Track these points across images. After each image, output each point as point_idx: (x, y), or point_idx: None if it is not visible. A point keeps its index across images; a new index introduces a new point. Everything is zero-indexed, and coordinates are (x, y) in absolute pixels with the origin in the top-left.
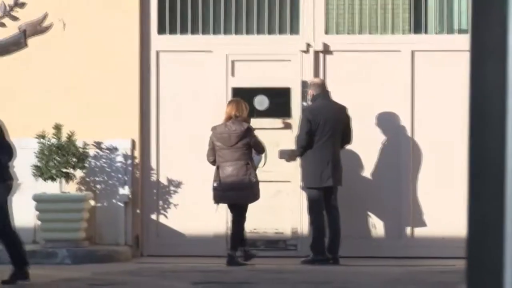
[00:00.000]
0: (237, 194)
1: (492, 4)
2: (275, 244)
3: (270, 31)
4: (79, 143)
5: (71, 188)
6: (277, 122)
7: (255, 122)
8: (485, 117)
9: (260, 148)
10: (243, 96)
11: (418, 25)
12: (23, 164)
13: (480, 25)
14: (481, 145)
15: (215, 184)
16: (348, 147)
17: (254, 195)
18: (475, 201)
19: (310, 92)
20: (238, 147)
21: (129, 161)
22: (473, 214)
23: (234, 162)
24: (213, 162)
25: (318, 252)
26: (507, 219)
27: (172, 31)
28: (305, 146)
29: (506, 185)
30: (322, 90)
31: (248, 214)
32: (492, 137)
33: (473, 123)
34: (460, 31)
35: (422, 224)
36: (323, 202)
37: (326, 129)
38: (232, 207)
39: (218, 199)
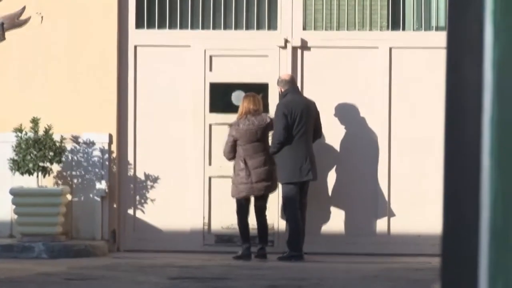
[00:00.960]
0: (265, 185)
1: (468, 1)
2: (252, 240)
3: (248, 26)
4: (56, 137)
5: (48, 182)
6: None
7: (232, 118)
8: (461, 114)
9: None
10: (221, 91)
11: (396, 22)
12: (0, 157)
13: (457, 22)
14: (457, 142)
15: (242, 177)
16: (324, 142)
17: (275, 185)
18: (450, 199)
19: (279, 88)
20: (261, 139)
21: (106, 156)
22: (448, 211)
23: (260, 153)
24: (232, 159)
25: (295, 249)
26: (482, 216)
27: (150, 25)
28: (283, 142)
29: (481, 182)
30: (292, 85)
31: (225, 211)
32: (468, 134)
33: (449, 120)
34: (438, 28)
35: (398, 221)
36: (298, 197)
37: (301, 123)
38: (257, 199)
39: (246, 191)
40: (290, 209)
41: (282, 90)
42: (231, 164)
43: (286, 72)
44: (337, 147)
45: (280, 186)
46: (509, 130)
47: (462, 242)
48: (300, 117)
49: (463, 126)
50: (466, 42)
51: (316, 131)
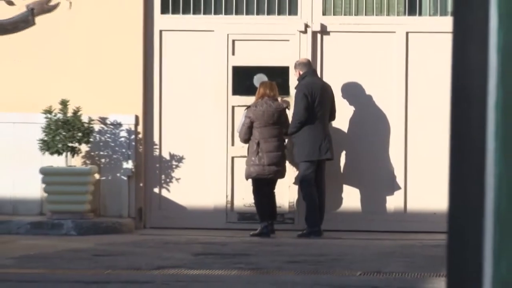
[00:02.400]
0: (275, 169)
1: None
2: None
3: (269, 12)
4: (85, 118)
5: (76, 162)
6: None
7: (253, 100)
8: (467, 98)
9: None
10: (243, 74)
11: (412, 7)
12: (30, 138)
13: (462, 8)
14: (462, 125)
15: (256, 159)
16: (342, 123)
17: (285, 171)
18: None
19: (297, 71)
20: (277, 123)
21: (133, 136)
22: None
23: (274, 138)
24: (247, 140)
25: (313, 225)
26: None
27: (175, 11)
28: (304, 122)
29: (486, 165)
30: (310, 68)
31: (247, 189)
32: (473, 118)
33: (455, 104)
34: None
35: (414, 199)
36: (314, 176)
37: (320, 104)
38: (269, 181)
39: (257, 172)
40: (307, 186)
41: (301, 72)
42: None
43: (306, 56)
44: (354, 128)
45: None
46: None
47: (467, 224)
48: (320, 98)
49: (469, 110)
50: (471, 27)
51: (332, 113)
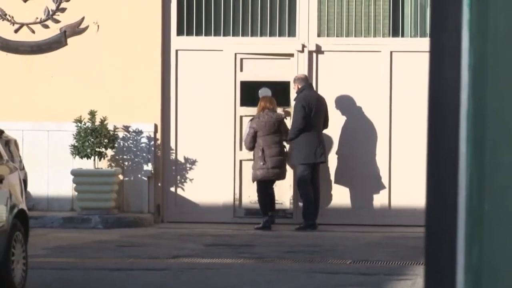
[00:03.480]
0: (277, 171)
1: (448, 11)
2: (277, 213)
3: (272, 33)
4: (110, 127)
5: (103, 164)
6: (278, 110)
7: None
8: (442, 109)
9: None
10: (249, 88)
11: (396, 29)
12: (63, 144)
13: (438, 31)
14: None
15: (261, 164)
16: (336, 131)
17: (285, 173)
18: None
19: (296, 85)
20: (278, 131)
21: (152, 142)
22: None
23: (276, 144)
24: (252, 148)
25: (309, 219)
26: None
27: (189, 32)
28: (302, 129)
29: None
30: (307, 82)
31: (252, 188)
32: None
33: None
34: None
35: (397, 197)
36: (310, 177)
37: (315, 114)
38: (271, 183)
39: (262, 175)
40: (304, 186)
41: (299, 86)
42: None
43: (303, 72)
44: (346, 134)
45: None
46: (482, 121)
47: (443, 218)
48: (316, 109)
49: (443, 119)
50: (446, 48)
51: (325, 121)
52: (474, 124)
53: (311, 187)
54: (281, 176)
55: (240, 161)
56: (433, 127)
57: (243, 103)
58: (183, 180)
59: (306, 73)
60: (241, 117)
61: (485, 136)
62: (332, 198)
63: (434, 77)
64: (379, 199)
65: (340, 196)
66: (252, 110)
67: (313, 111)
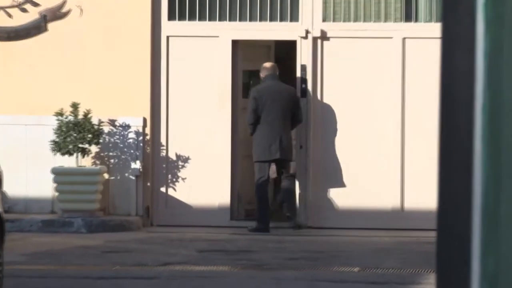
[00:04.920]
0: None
1: None
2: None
3: (272, 18)
4: (95, 120)
5: (86, 162)
6: None
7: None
8: (455, 101)
9: None
10: (248, 77)
11: (409, 14)
12: (42, 140)
13: (450, 16)
14: (450, 127)
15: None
16: (344, 125)
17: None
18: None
19: (261, 75)
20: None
21: (141, 138)
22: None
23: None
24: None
25: (260, 222)
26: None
27: (181, 17)
28: (254, 123)
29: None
30: (270, 72)
31: (250, 188)
32: (461, 120)
33: (443, 107)
34: None
35: (411, 198)
36: (267, 175)
37: (274, 107)
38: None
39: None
40: (259, 185)
41: (262, 76)
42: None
43: (307, 60)
44: (354, 129)
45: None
46: (499, 116)
47: (456, 221)
48: (271, 101)
49: (457, 113)
50: (459, 34)
51: (294, 115)
52: (490, 118)
53: (267, 188)
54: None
55: (238, 158)
56: (445, 122)
57: (245, 95)
58: (174, 180)
59: (309, 62)
60: (243, 110)
61: (502, 132)
62: (337, 199)
63: (445, 67)
64: (390, 200)
65: (346, 196)
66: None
67: (267, 103)
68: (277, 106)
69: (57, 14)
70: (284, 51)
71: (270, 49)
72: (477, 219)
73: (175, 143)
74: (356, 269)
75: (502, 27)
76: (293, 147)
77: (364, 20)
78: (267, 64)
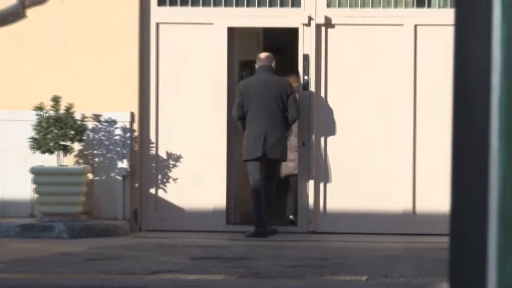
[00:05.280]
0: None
1: None
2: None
3: (272, 4)
4: (77, 116)
5: (69, 161)
6: None
7: None
8: (470, 94)
9: None
10: (245, 67)
11: None
12: (20, 136)
13: (464, 1)
14: (465, 122)
15: None
16: (350, 122)
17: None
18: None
19: (256, 66)
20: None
21: (128, 134)
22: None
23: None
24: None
25: (257, 225)
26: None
27: (172, 2)
28: (240, 118)
29: (490, 164)
30: (263, 64)
31: (248, 190)
32: (476, 114)
33: (457, 100)
34: None
35: (423, 200)
36: (260, 173)
37: (259, 101)
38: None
39: None
40: (252, 187)
41: (256, 68)
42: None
43: (310, 49)
44: (361, 125)
45: None
46: None
47: (470, 226)
48: (256, 95)
49: (471, 107)
50: (474, 20)
51: (288, 110)
52: (508, 113)
53: (261, 188)
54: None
55: (235, 156)
56: (459, 117)
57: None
58: (165, 180)
59: (312, 51)
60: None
61: None
62: (343, 201)
63: (459, 57)
64: (401, 203)
65: (353, 199)
66: None
67: (252, 97)
68: (263, 100)
69: None
70: (274, 40)
71: (258, 37)
72: (493, 224)
73: (165, 140)
74: (364, 278)
75: None
76: (284, 145)
77: (372, 6)
78: (261, 55)
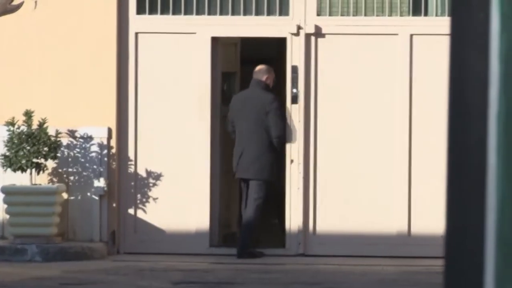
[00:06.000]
0: None
1: None
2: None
3: (258, 12)
4: (51, 131)
5: (42, 179)
6: None
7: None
8: (466, 109)
9: None
10: (229, 79)
11: (417, 7)
12: None
13: (461, 10)
14: (461, 139)
15: None
16: (341, 137)
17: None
18: (454, 200)
19: None
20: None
21: (105, 151)
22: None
23: None
24: None
25: (243, 245)
26: (488, 220)
27: (153, 11)
28: (233, 132)
29: (487, 182)
30: (254, 77)
31: (232, 210)
32: (473, 130)
33: (452, 116)
34: None
35: (419, 221)
36: (241, 193)
37: (240, 117)
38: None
39: None
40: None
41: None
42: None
43: (298, 61)
44: (352, 141)
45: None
46: None
47: (467, 248)
48: (238, 111)
49: (468, 122)
50: (471, 31)
51: (269, 128)
52: (507, 129)
53: (241, 210)
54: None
55: (219, 174)
56: (455, 133)
57: (225, 101)
58: (144, 200)
59: (301, 62)
60: (225, 117)
61: None
62: (334, 222)
63: (455, 69)
64: (396, 224)
65: (345, 219)
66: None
67: (234, 113)
68: (243, 116)
69: (7, 7)
70: (252, 50)
71: (236, 47)
72: (491, 245)
73: (145, 158)
74: None
75: None
76: (262, 164)
77: (366, 14)
78: (256, 68)
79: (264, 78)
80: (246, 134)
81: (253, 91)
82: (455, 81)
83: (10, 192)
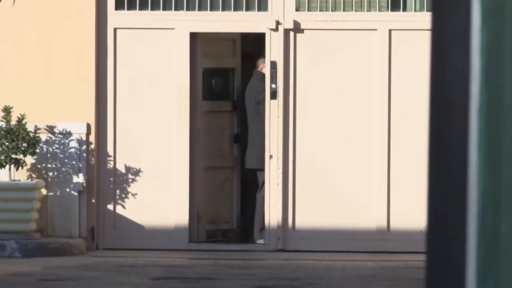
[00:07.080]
0: None
1: None
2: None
3: (237, 7)
4: (30, 127)
5: (21, 175)
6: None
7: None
8: (447, 104)
9: None
10: (210, 76)
11: (396, 2)
12: None
13: (441, 4)
14: (442, 134)
15: None
16: (319, 132)
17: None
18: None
19: None
20: None
21: (84, 147)
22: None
23: None
24: None
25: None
26: (470, 215)
27: (131, 6)
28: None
29: (468, 178)
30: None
31: (214, 205)
32: (454, 126)
33: (433, 111)
34: None
35: (398, 216)
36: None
37: (244, 108)
38: None
39: None
40: None
41: None
42: (220, 155)
43: (277, 56)
44: (330, 137)
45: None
46: (499, 122)
47: (448, 243)
48: (242, 102)
49: (449, 118)
50: (452, 27)
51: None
52: (488, 124)
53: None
54: None
55: (199, 170)
56: (435, 128)
57: (206, 97)
58: (124, 196)
59: (280, 57)
60: (206, 113)
61: (502, 140)
62: (313, 218)
63: (436, 64)
64: (375, 219)
65: (324, 215)
66: (215, 105)
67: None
68: (244, 106)
69: None
70: (252, 45)
71: (235, 43)
72: (472, 240)
73: (124, 153)
74: None
75: (502, 19)
76: (258, 154)
77: (344, 10)
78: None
79: (259, 68)
80: (248, 124)
81: (251, 82)
82: (436, 76)
83: None
